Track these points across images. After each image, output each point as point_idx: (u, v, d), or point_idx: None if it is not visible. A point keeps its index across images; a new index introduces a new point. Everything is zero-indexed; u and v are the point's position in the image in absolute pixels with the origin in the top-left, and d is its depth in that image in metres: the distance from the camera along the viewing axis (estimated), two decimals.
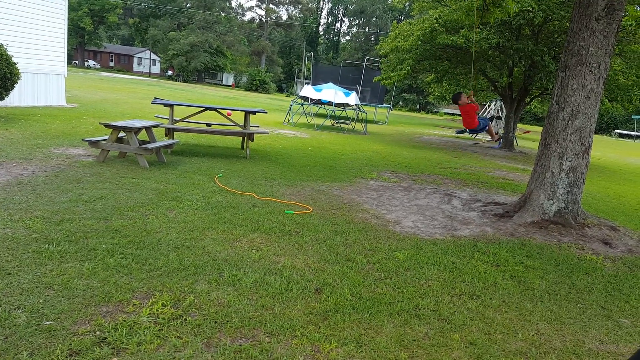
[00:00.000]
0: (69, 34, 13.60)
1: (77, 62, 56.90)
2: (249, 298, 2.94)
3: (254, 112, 8.56)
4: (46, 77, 13.03)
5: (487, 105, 25.11)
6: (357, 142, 13.48)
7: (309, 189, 6.28)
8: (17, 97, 11.46)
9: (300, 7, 73.99)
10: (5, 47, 9.11)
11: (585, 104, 5.27)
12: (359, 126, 18.47)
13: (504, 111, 18.00)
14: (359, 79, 24.02)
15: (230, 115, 10.58)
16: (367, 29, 74.50)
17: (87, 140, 6.45)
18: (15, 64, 9.23)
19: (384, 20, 70.26)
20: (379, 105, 25.26)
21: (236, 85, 64.09)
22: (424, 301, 3.20)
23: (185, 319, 2.60)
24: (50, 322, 2.41)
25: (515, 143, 17.17)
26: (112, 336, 2.36)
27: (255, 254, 3.69)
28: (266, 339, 2.51)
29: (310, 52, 34.99)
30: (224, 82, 67.13)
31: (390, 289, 3.34)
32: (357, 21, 78.56)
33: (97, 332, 2.37)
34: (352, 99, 16.95)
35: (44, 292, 2.71)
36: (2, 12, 11.40)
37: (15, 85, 9.40)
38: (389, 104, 28.64)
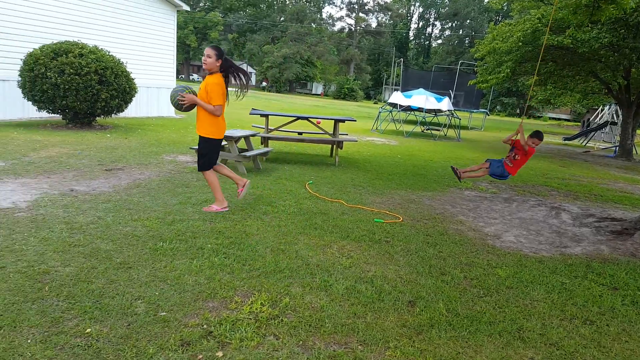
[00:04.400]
0: (177, 51, 14.91)
1: (183, 76, 62.02)
2: (341, 305, 2.99)
3: (343, 121, 8.70)
4: (158, 90, 14.41)
5: (600, 109, 22.91)
6: (450, 149, 13.06)
7: (399, 198, 6.23)
8: (134, 109, 12.81)
9: (390, 13, 73.71)
10: (125, 64, 10.23)
11: None
12: (451, 132, 17.89)
13: (620, 116, 16.32)
14: (451, 84, 23.27)
15: (319, 123, 10.86)
16: (460, 32, 72.01)
17: (193, 148, 7.01)
18: (133, 80, 10.33)
19: (479, 22, 67.42)
20: (474, 110, 24.20)
21: (325, 94, 65.46)
22: (529, 323, 3.01)
23: (282, 320, 2.73)
24: (164, 314, 2.67)
25: (634, 151, 15.45)
26: (218, 330, 2.55)
27: (345, 261, 3.75)
28: (359, 347, 2.54)
29: (399, 58, 34.66)
30: (313, 91, 68.94)
31: (490, 307, 3.19)
32: (449, 24, 76.28)
33: (205, 326, 2.58)
34: (445, 104, 16.46)
35: (159, 285, 3.01)
36: (123, 33, 12.85)
37: (133, 99, 10.51)
38: (486, 108, 27.29)
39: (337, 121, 8.56)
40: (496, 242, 4.71)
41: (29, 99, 9.23)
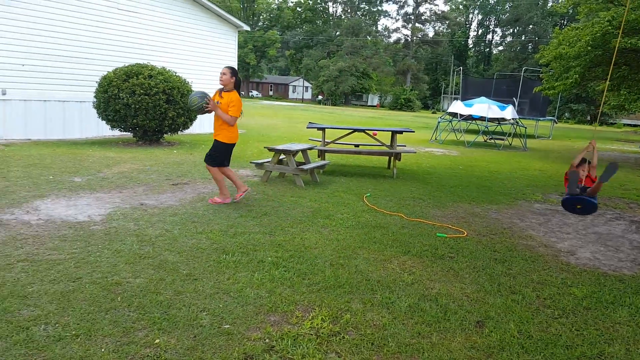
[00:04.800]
0: (237, 69, 15.41)
1: (243, 93, 64.21)
2: (404, 323, 2.90)
3: (400, 132, 8.57)
4: None
5: None
6: (515, 159, 12.47)
7: (462, 211, 6.00)
8: (198, 126, 13.37)
9: (447, 22, 72.35)
10: (190, 83, 10.74)
11: None
12: (517, 142, 17.10)
13: None
14: (515, 91, 22.31)
15: (376, 135, 10.76)
16: (523, 38, 69.15)
17: (253, 163, 7.21)
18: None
19: (542, 26, 64.43)
20: (541, 118, 23.01)
21: (381, 105, 65.16)
22: (612, 348, 2.76)
23: (344, 337, 2.68)
24: (228, 326, 2.70)
25: None
26: (280, 345, 2.54)
27: (407, 277, 3.64)
28: None
29: (458, 67, 33.78)
30: (369, 103, 68.89)
31: (566, 329, 2.96)
32: (511, 30, 73.53)
33: (267, 340, 2.59)
34: (509, 112, 15.78)
35: (223, 298, 3.06)
36: (188, 54, 13.53)
37: (197, 116, 10.98)
38: (553, 116, 25.88)
39: (394, 132, 8.45)
40: (570, 258, 4.38)
41: (103, 119, 9.91)
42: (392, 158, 8.65)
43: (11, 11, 9.56)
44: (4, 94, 9.64)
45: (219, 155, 5.44)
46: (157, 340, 2.50)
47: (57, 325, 2.58)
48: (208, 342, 2.53)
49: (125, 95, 9.33)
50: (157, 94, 9.55)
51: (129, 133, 10.57)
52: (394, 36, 74.43)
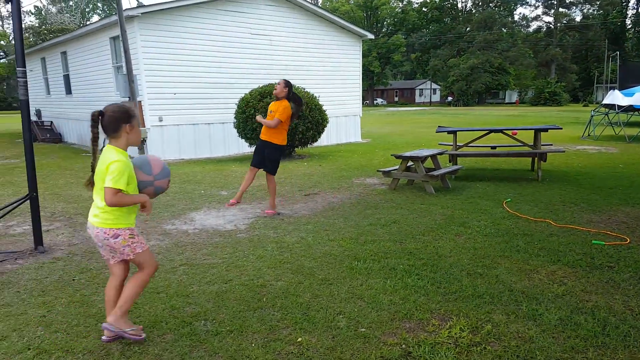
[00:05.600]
0: (362, 78, 15.75)
1: (367, 101, 65.07)
2: (554, 337, 2.63)
3: (545, 130, 7.82)
4: (346, 118, 15.40)
5: None
6: None
7: (623, 215, 5.24)
8: (325, 138, 13.92)
9: (598, 3, 63.86)
10: (317, 98, 11.25)
11: None
12: None
13: None
14: None
15: (516, 134, 9.98)
16: None
17: (380, 171, 7.25)
18: (325, 111, 11.27)
19: None
20: None
21: (520, 102, 60.09)
22: None
23: (485, 347, 2.54)
24: (364, 330, 2.76)
25: None
26: (417, 352, 2.51)
27: (557, 288, 3.30)
28: None
29: (614, 52, 29.64)
30: (506, 100, 64.06)
31: None
32: None
33: (403, 346, 2.58)
34: None
35: (357, 302, 3.14)
36: (315, 70, 14.22)
37: (325, 129, 11.45)
38: None
39: (537, 131, 7.75)
40: None
41: (242, 137, 10.92)
42: (536, 159, 7.92)
43: (165, 47, 11.12)
44: (160, 120, 11.23)
45: (279, 159, 5.68)
46: (300, 339, 2.66)
47: (214, 321, 2.91)
48: (346, 343, 2.61)
49: (260, 114, 10.15)
50: None
51: None
52: (534, 25, 67.77)
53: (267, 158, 5.61)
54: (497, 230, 4.77)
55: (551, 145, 8.95)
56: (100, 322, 2.79)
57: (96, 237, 2.54)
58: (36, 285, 3.56)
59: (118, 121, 2.44)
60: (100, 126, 2.45)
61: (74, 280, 3.66)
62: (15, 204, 4.52)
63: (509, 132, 8.77)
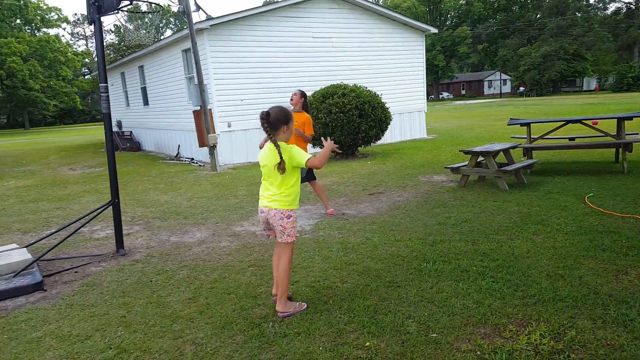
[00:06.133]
0: (426, 73, 15.36)
1: (432, 96, 63.30)
2: None
3: (630, 118, 7.14)
4: (410, 115, 15.07)
5: None
6: None
7: None
8: (389, 136, 13.70)
9: None
10: (380, 95, 11.10)
11: None
12: None
13: None
14: None
15: (596, 124, 9.22)
16: None
17: (449, 167, 6.99)
18: (388, 109, 11.09)
19: None
20: None
21: (600, 89, 55.64)
22: None
23: (569, 355, 2.35)
24: (435, 335, 2.65)
25: None
26: (492, 359, 2.37)
27: None
28: None
29: None
30: (584, 88, 59.66)
31: None
32: None
33: (478, 352, 2.44)
34: None
35: (427, 306, 3.03)
36: (377, 67, 14.04)
37: (388, 126, 11.27)
38: None
39: (621, 119, 7.10)
40: None
41: None
42: (621, 149, 7.26)
43: (232, 56, 11.51)
44: (229, 126, 11.63)
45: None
46: (368, 343, 2.61)
47: (282, 323, 2.94)
48: (416, 349, 2.52)
49: (323, 115, 10.21)
50: (350, 110, 10.16)
51: None
52: (612, 7, 62.52)
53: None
54: (579, 227, 4.42)
55: (637, 134, 8.15)
56: (175, 323, 2.99)
57: (272, 217, 3.00)
58: (117, 286, 3.81)
59: (279, 122, 2.92)
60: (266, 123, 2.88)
61: (151, 281, 3.87)
62: (99, 210, 4.87)
63: (589, 122, 8.11)
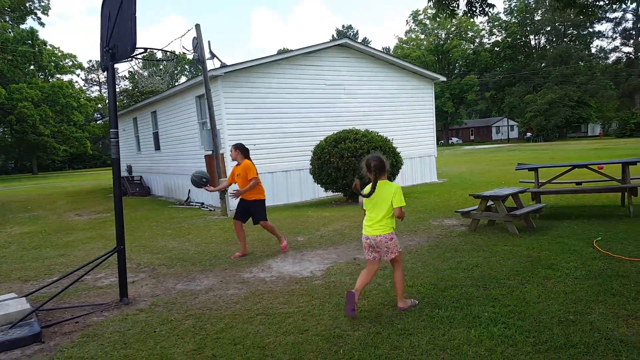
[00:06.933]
0: (435, 119, 15.69)
1: (442, 141, 63.95)
2: None
3: (634, 163, 7.23)
4: (421, 159, 15.26)
5: None
6: None
7: None
8: (400, 180, 13.83)
9: None
10: (391, 140, 11.32)
11: None
12: None
13: None
14: None
15: (602, 169, 9.28)
16: None
17: (459, 212, 7.04)
18: (399, 153, 11.28)
19: None
20: None
21: (605, 134, 56.02)
22: None
23: None
24: None
25: None
26: None
27: None
28: None
29: None
30: (589, 133, 60.13)
31: None
32: None
33: None
34: None
35: (440, 354, 3.01)
36: (388, 114, 14.41)
37: (400, 170, 11.42)
38: None
39: (625, 164, 7.18)
40: None
41: (317, 182, 11.20)
42: (627, 194, 7.29)
43: (245, 102, 11.89)
44: None
45: (264, 210, 6.30)
46: None
47: None
48: None
49: (335, 159, 10.40)
50: (362, 154, 10.34)
51: (340, 193, 11.61)
52: (612, 56, 63.62)
53: (256, 214, 6.23)
54: (589, 272, 4.41)
55: None
56: None
57: (379, 243, 3.77)
58: (119, 337, 3.71)
59: (383, 168, 3.69)
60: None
61: (155, 332, 3.78)
62: (103, 258, 4.76)
63: (595, 167, 8.18)
